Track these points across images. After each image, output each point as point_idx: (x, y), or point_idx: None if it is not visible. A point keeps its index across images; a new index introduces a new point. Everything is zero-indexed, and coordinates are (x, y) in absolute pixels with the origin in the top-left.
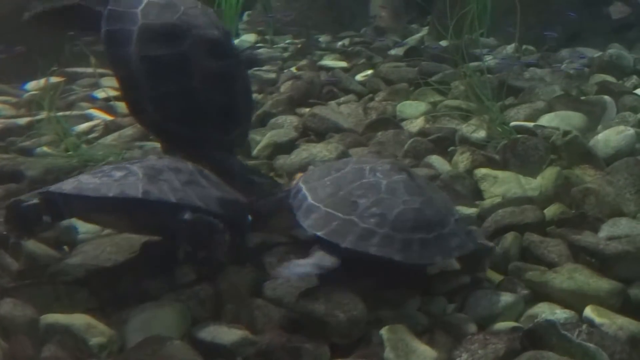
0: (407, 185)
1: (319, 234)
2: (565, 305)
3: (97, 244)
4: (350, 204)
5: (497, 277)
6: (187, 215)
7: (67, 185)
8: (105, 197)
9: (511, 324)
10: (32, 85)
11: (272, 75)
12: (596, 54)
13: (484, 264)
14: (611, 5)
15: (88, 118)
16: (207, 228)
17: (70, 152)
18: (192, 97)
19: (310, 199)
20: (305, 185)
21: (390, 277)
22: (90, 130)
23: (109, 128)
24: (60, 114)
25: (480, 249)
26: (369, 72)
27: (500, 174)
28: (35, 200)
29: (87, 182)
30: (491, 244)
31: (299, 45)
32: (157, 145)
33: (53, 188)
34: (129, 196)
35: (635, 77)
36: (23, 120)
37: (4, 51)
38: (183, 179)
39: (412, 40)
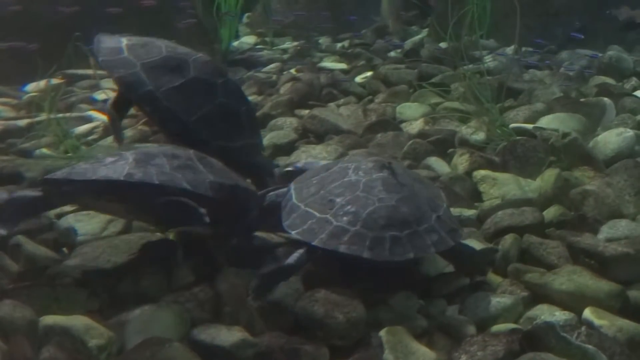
0: (385, 183)
1: (293, 233)
2: (564, 307)
3: (96, 245)
4: (327, 203)
5: (496, 278)
6: (161, 199)
7: (59, 172)
8: (89, 180)
9: (510, 325)
10: (32, 87)
11: (272, 77)
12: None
13: (481, 267)
14: (624, 7)
15: (88, 120)
16: (180, 208)
17: (69, 154)
18: (224, 111)
19: (294, 199)
20: (294, 185)
21: (390, 279)
22: (90, 132)
23: (108, 130)
24: (60, 115)
25: (478, 253)
26: (369, 73)
27: (499, 175)
28: (36, 193)
29: (78, 168)
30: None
31: (299, 47)
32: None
33: (48, 175)
34: (111, 179)
35: (634, 79)
36: (23, 122)
37: (21, 47)
38: (176, 163)
39: (412, 42)
